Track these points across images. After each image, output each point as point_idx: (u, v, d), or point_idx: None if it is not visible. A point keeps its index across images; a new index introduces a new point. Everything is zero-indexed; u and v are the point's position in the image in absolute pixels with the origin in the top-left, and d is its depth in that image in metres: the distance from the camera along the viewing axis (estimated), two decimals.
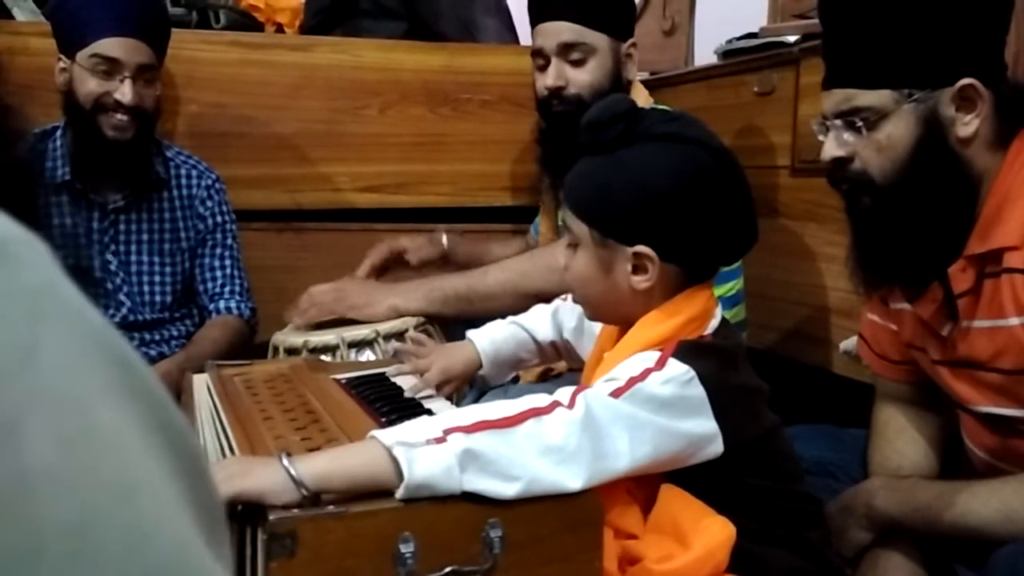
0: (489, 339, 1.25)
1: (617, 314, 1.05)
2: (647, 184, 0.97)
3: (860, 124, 1.06)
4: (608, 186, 0.99)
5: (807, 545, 1.00)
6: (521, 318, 1.30)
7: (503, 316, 1.63)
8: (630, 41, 1.69)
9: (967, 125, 1.03)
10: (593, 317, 1.11)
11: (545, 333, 1.26)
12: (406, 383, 1.22)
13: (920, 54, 1.03)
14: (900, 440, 1.26)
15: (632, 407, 0.88)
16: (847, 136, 1.08)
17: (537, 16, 1.69)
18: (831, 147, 1.09)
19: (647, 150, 0.98)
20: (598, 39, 1.64)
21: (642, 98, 1.70)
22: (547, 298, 1.48)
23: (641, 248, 0.98)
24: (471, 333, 1.28)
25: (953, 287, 1.07)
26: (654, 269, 0.98)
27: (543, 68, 1.67)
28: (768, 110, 1.86)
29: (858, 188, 1.09)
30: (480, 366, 1.24)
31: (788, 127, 1.78)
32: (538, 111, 1.73)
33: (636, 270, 0.99)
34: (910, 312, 1.16)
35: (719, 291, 1.59)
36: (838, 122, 1.08)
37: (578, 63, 1.64)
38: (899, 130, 1.04)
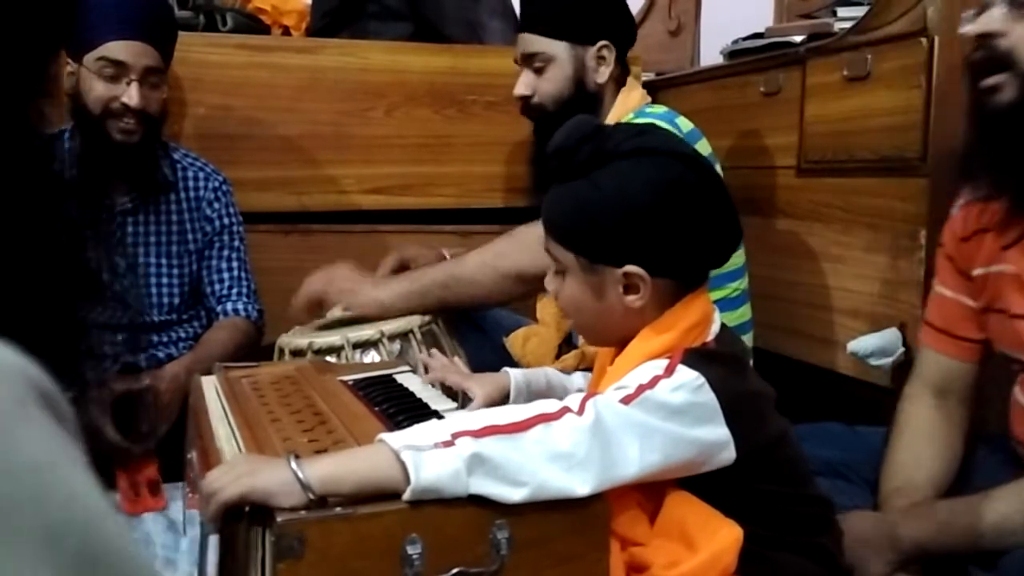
0: (522, 372, 1.22)
1: (614, 335, 1.04)
2: (626, 203, 0.96)
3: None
4: (587, 211, 0.98)
5: (820, 550, 1.00)
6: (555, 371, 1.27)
7: (485, 301, 1.63)
8: (600, 44, 1.68)
9: None
10: (591, 342, 1.11)
11: (576, 384, 1.22)
12: (413, 385, 1.22)
13: None
14: (920, 440, 1.25)
15: (642, 414, 0.88)
16: (1008, 13, 1.02)
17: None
18: (984, 21, 1.03)
19: (620, 169, 0.97)
20: (556, 47, 1.67)
21: (636, 98, 1.70)
22: (526, 277, 1.48)
23: (630, 268, 0.97)
24: (506, 368, 1.24)
25: None
26: (646, 287, 0.97)
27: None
28: (774, 110, 1.86)
29: (1001, 74, 1.03)
30: (507, 395, 1.20)
31: (794, 127, 1.78)
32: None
33: (628, 290, 0.98)
34: (999, 273, 1.15)
35: (722, 292, 1.59)
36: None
37: (540, 72, 1.69)
38: None
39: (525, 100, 1.72)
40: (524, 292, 1.59)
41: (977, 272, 1.22)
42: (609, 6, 1.70)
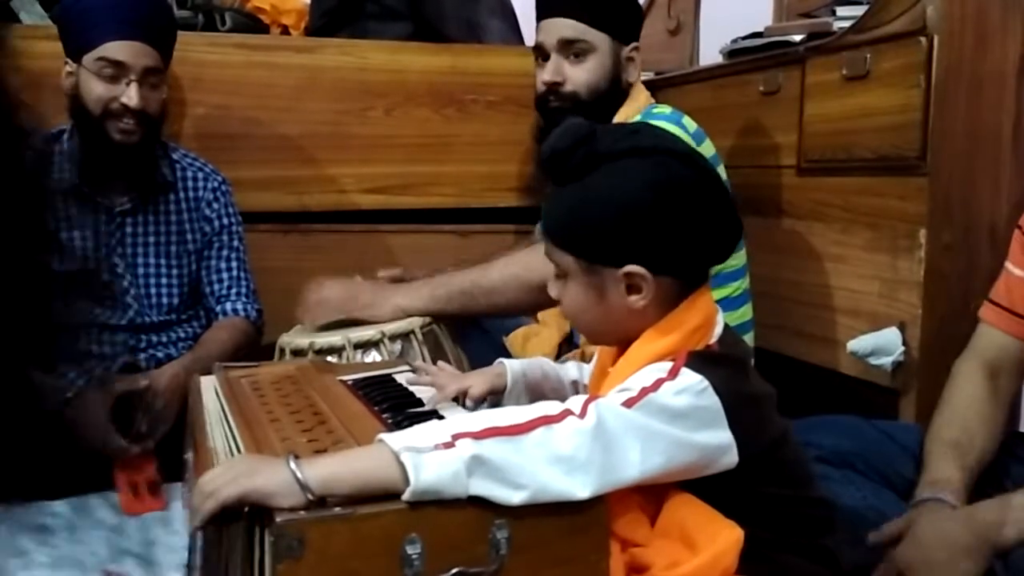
0: (518, 362, 1.22)
1: (618, 335, 1.03)
2: (622, 202, 0.95)
3: None
4: (584, 213, 0.98)
5: (822, 551, 1.00)
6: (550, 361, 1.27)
7: (508, 311, 1.62)
8: (633, 45, 1.70)
9: None
10: (595, 342, 1.10)
11: (570, 374, 1.23)
12: (414, 385, 1.22)
13: None
14: (971, 411, 1.27)
15: (645, 417, 0.87)
16: None
17: (541, 12, 1.72)
18: None
19: (615, 169, 0.96)
20: (599, 38, 1.66)
21: (642, 99, 1.70)
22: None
23: (631, 268, 0.97)
24: (501, 358, 1.24)
25: None
26: (648, 286, 0.97)
27: (543, 64, 1.70)
28: (774, 110, 1.85)
29: None
30: (505, 384, 1.19)
31: (794, 126, 1.78)
32: (536, 108, 1.75)
33: (630, 290, 0.98)
34: None
35: (724, 292, 1.59)
36: None
37: (577, 60, 1.66)
38: None
39: (552, 88, 1.68)
40: (548, 303, 1.58)
41: None
42: (639, 11, 1.72)
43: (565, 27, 1.66)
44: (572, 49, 1.66)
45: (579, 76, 1.66)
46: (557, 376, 1.21)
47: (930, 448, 1.26)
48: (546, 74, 1.68)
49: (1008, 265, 1.32)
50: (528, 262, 1.54)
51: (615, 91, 1.68)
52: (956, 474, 1.20)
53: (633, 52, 1.70)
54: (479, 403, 1.17)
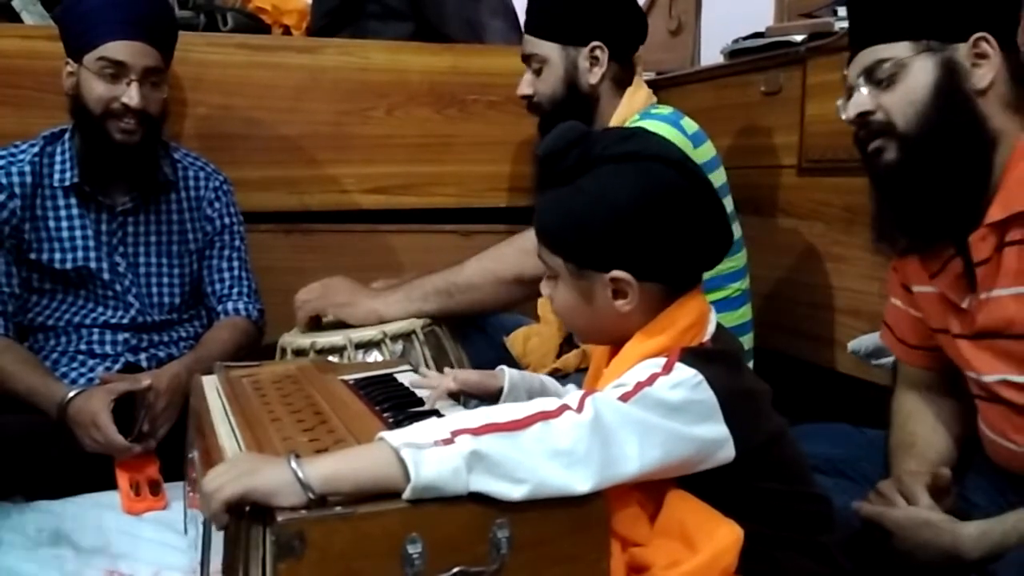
0: (518, 372, 1.21)
1: (608, 336, 1.05)
2: (612, 208, 0.96)
3: (883, 77, 1.13)
4: (574, 216, 0.99)
5: (820, 548, 1.00)
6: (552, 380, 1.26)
7: (485, 307, 1.63)
8: (592, 45, 1.67)
9: (982, 77, 1.10)
10: (586, 341, 1.11)
11: (570, 391, 1.22)
12: (414, 384, 1.22)
13: (937, 8, 1.11)
14: (911, 421, 1.29)
15: (641, 411, 0.88)
16: (871, 91, 1.15)
17: None
18: (856, 104, 1.16)
19: (607, 173, 0.97)
20: (547, 49, 1.69)
21: (640, 98, 1.69)
22: (526, 280, 1.49)
23: (617, 273, 0.98)
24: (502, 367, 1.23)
25: (973, 256, 1.11)
26: (633, 291, 0.98)
27: None
28: (775, 110, 1.86)
29: (881, 138, 1.15)
30: (500, 384, 1.18)
31: (795, 126, 1.78)
32: None
33: (616, 295, 0.99)
34: (933, 293, 1.20)
35: (723, 293, 1.59)
36: (861, 80, 1.16)
37: (537, 74, 1.71)
38: (919, 77, 1.12)
39: (528, 99, 1.74)
40: (524, 296, 1.59)
41: (915, 289, 1.26)
42: (603, 7, 1.69)
43: (525, 43, 1.73)
44: (532, 63, 1.72)
45: (540, 88, 1.71)
46: (557, 392, 1.20)
47: (888, 461, 1.29)
48: (519, 88, 1.74)
49: (890, 297, 1.34)
50: (501, 254, 1.56)
51: (575, 97, 1.69)
52: (911, 462, 1.23)
53: (595, 52, 1.68)
54: (472, 396, 1.17)
